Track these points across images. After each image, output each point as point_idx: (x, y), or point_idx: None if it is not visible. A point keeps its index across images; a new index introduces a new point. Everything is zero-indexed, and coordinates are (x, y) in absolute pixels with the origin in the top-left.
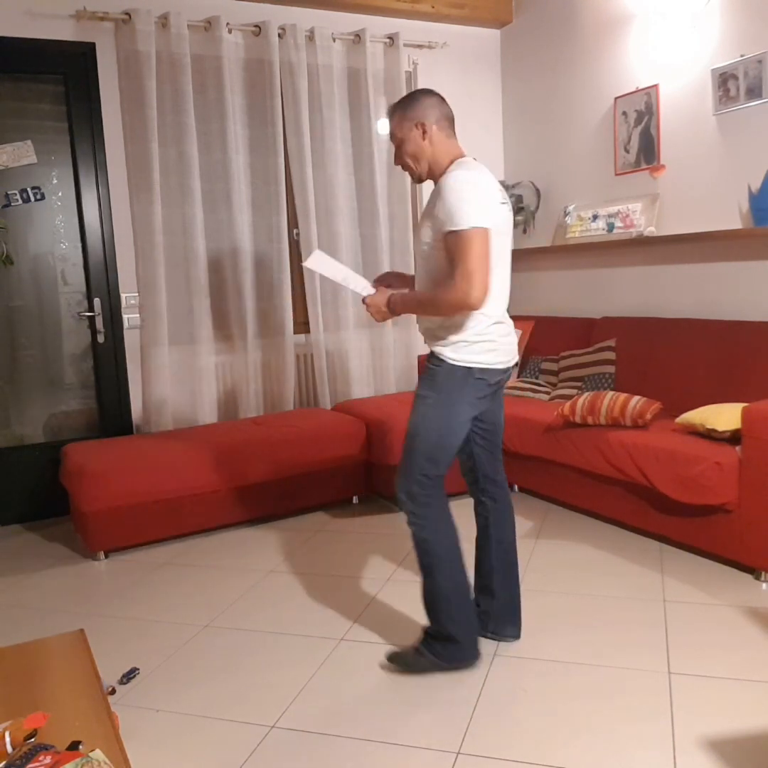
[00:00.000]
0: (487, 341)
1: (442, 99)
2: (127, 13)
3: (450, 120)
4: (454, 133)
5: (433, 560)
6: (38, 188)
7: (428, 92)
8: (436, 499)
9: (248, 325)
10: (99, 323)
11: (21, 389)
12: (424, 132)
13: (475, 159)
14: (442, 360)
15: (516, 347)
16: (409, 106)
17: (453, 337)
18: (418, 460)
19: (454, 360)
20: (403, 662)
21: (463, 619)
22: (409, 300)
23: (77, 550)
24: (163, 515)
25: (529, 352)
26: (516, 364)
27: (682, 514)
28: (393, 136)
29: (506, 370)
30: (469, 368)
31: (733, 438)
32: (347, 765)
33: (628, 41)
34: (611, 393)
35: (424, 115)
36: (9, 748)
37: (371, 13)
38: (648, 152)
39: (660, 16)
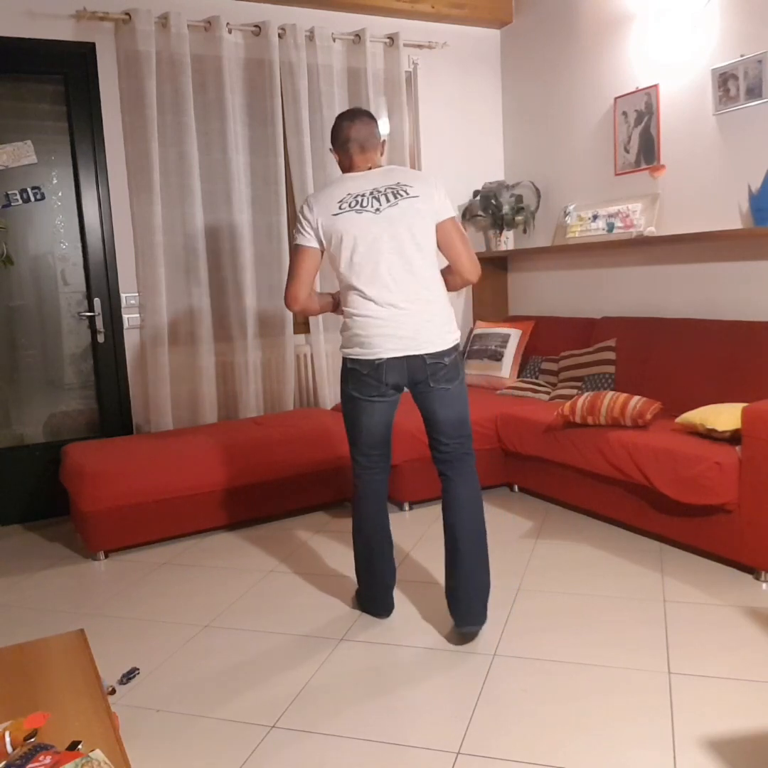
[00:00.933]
0: (353, 334)
1: (343, 121)
2: (127, 13)
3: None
4: (351, 150)
5: (353, 523)
6: (38, 188)
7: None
8: (357, 478)
9: (248, 325)
10: (99, 323)
11: (21, 389)
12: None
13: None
14: None
15: (397, 340)
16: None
17: (342, 332)
18: (349, 445)
19: (342, 351)
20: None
21: (362, 580)
22: None
23: (77, 550)
24: (163, 515)
25: (529, 352)
26: (437, 357)
27: (682, 514)
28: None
29: (374, 363)
30: (344, 359)
31: (733, 438)
32: (347, 765)
33: (628, 41)
34: (611, 393)
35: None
36: (9, 748)
37: (371, 13)
38: (648, 152)
39: (660, 16)
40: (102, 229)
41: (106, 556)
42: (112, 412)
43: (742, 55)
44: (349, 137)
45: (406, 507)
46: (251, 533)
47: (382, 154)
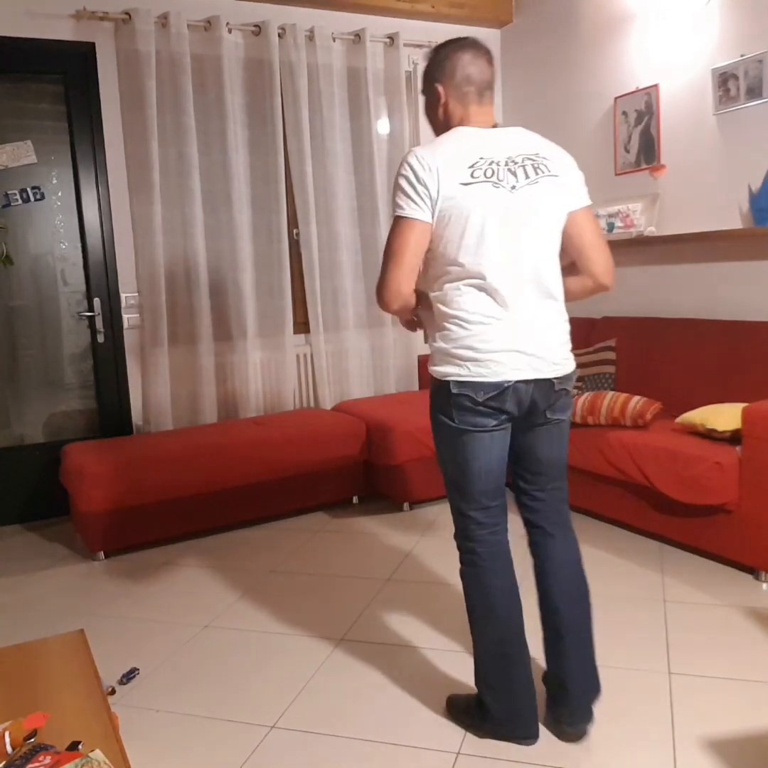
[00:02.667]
0: (463, 348)
1: (461, 51)
2: (126, 13)
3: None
4: (468, 96)
5: (472, 607)
6: (38, 188)
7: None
8: (475, 543)
9: (248, 325)
10: (99, 323)
11: (21, 389)
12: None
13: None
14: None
15: (525, 358)
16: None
17: (434, 344)
18: (452, 496)
19: (433, 371)
20: (455, 708)
21: (499, 690)
22: None
23: (77, 550)
24: (163, 515)
25: None
26: (556, 382)
27: (683, 515)
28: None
29: (500, 386)
30: (444, 382)
31: (734, 438)
32: (347, 765)
33: (628, 41)
34: (611, 393)
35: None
36: (9, 749)
37: (371, 13)
38: (648, 152)
39: (660, 16)
40: (102, 229)
41: (106, 557)
42: (112, 412)
43: (742, 55)
44: (471, 77)
45: (406, 507)
46: (251, 533)
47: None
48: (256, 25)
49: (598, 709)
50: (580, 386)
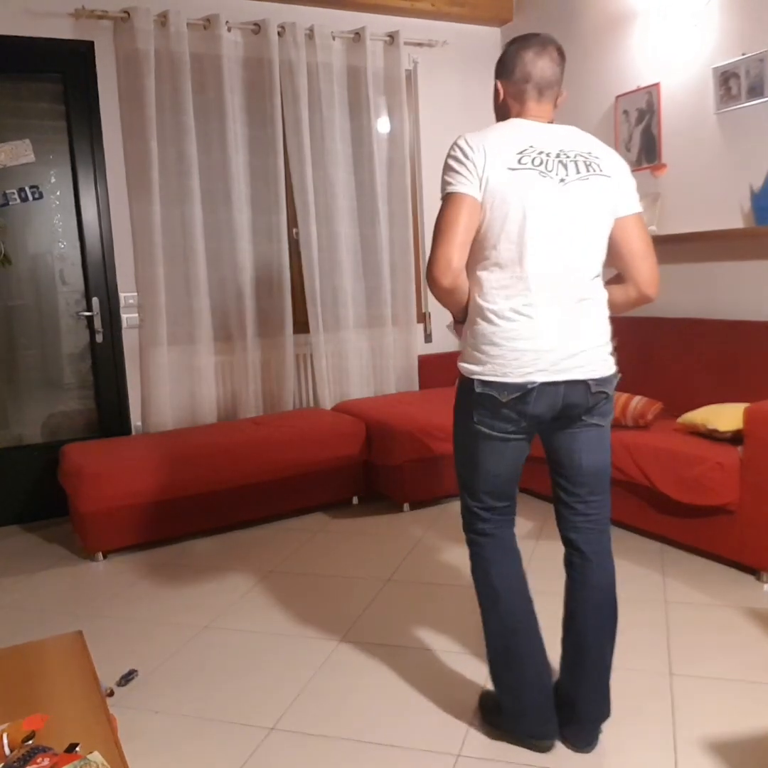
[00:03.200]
0: (490, 344)
1: (526, 48)
2: (125, 12)
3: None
4: (526, 94)
5: (481, 602)
6: (36, 187)
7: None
8: (481, 539)
9: (248, 325)
10: (97, 323)
11: (19, 389)
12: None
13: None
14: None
15: (555, 358)
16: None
17: (466, 339)
18: (460, 489)
19: (461, 367)
20: (483, 707)
21: (507, 686)
22: None
23: (76, 550)
24: (162, 515)
25: None
26: (594, 384)
27: (684, 515)
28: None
29: (524, 387)
30: (469, 380)
31: (735, 438)
32: (347, 765)
33: (629, 39)
34: None
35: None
36: (7, 750)
37: (371, 12)
38: (649, 151)
39: (661, 15)
40: (100, 229)
41: (105, 557)
42: (111, 412)
43: (743, 54)
44: (530, 75)
45: (406, 507)
46: (251, 533)
47: (556, 107)
48: (255, 24)
49: None
50: None
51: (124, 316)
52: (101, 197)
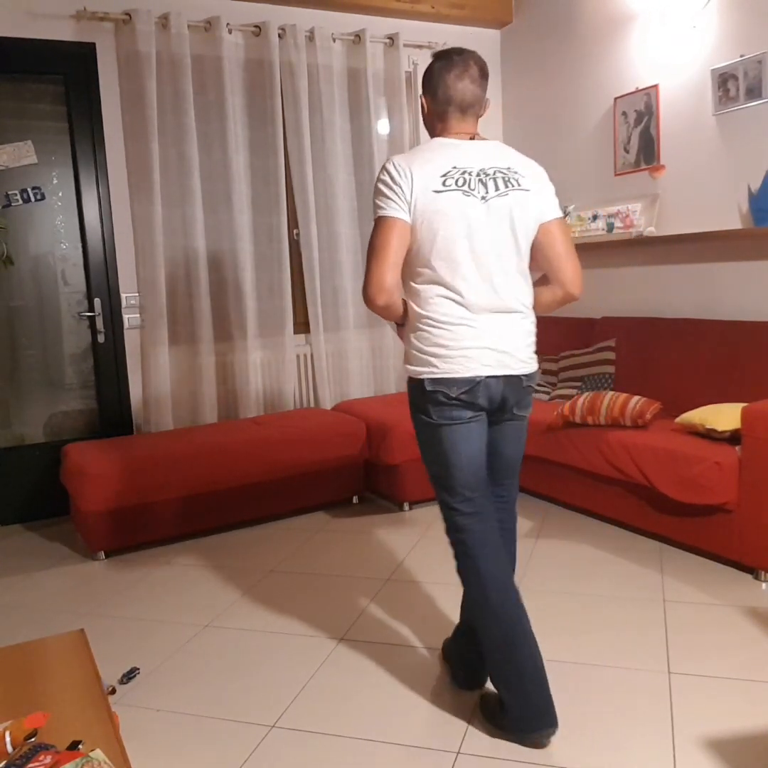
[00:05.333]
0: (435, 346)
1: (448, 71)
2: (127, 14)
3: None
4: (449, 113)
5: (470, 597)
6: (38, 188)
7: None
8: (463, 533)
9: (248, 325)
10: (99, 323)
11: (21, 389)
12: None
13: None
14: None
15: (495, 356)
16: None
17: (409, 344)
18: (437, 490)
19: (409, 370)
20: (485, 709)
21: (510, 683)
22: None
23: (77, 550)
24: (163, 515)
25: None
26: (521, 379)
27: (682, 514)
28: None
29: (472, 381)
30: (419, 380)
31: (733, 438)
32: (347, 765)
33: (627, 41)
34: (611, 393)
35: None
36: (9, 748)
37: (371, 14)
38: (648, 152)
39: (660, 17)
40: (102, 229)
41: (106, 556)
42: (112, 412)
43: (741, 56)
44: (451, 98)
45: (406, 507)
46: (251, 533)
47: (482, 116)
48: (256, 26)
49: (599, 708)
50: (579, 386)
51: (125, 317)
52: (103, 198)
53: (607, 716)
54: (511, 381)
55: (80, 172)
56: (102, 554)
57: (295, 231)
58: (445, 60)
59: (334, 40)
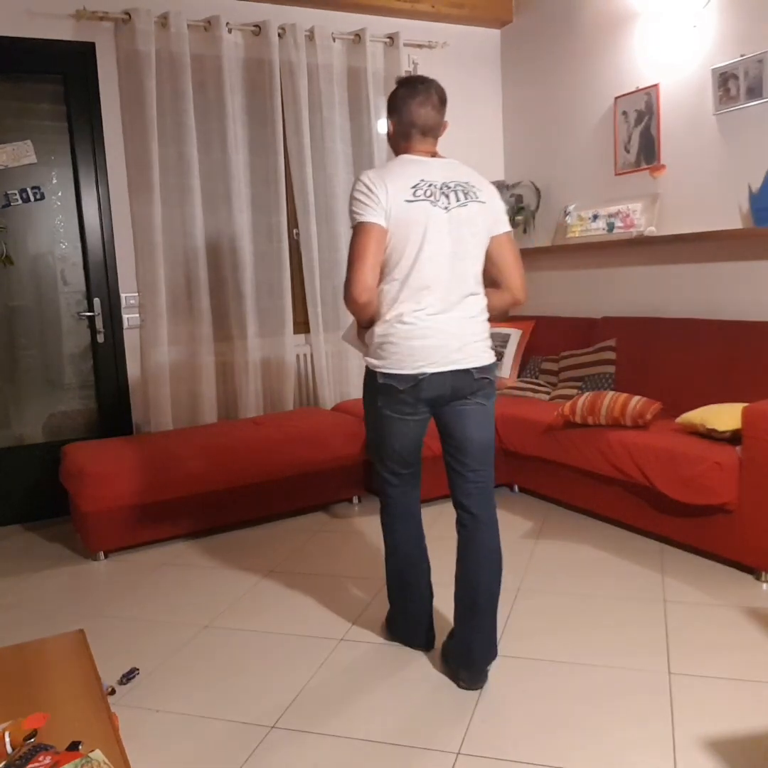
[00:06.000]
0: (387, 343)
1: (412, 98)
2: (126, 13)
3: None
4: (412, 136)
5: (385, 543)
6: (38, 188)
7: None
8: (389, 498)
9: (248, 325)
10: (99, 323)
11: (21, 389)
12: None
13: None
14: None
15: (443, 353)
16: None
17: (369, 338)
18: (373, 461)
19: (366, 361)
20: (387, 621)
21: (398, 605)
22: None
23: (77, 550)
24: (163, 515)
25: (529, 352)
26: (476, 371)
27: (683, 514)
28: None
29: (416, 378)
30: (373, 372)
31: (734, 438)
32: (347, 765)
33: (628, 41)
34: (611, 393)
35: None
36: (9, 749)
37: (371, 13)
38: (648, 152)
39: (660, 16)
40: (102, 229)
41: (106, 557)
42: (112, 412)
43: (742, 55)
44: (414, 122)
45: None
46: (251, 533)
47: (440, 136)
48: (256, 25)
49: (599, 708)
50: (580, 386)
51: (125, 316)
52: (102, 197)
53: (608, 716)
54: (460, 375)
55: (80, 172)
56: (101, 554)
57: (295, 231)
58: (410, 88)
59: (334, 40)
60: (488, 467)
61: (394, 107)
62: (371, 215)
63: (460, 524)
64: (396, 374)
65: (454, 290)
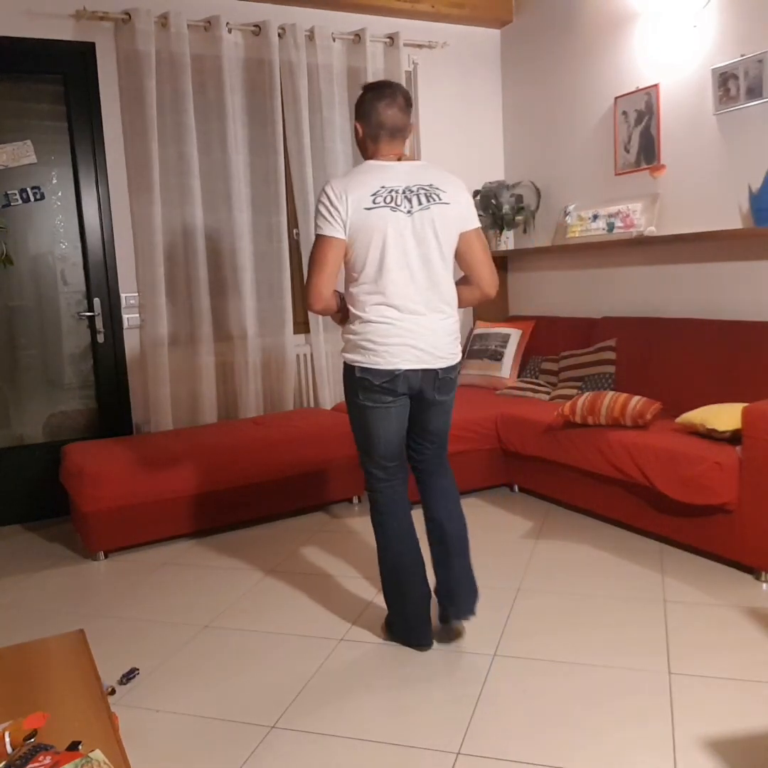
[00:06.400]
0: (365, 341)
1: (379, 100)
2: (126, 13)
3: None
4: (380, 137)
5: (377, 542)
6: (38, 188)
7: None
8: (378, 494)
9: (248, 325)
10: (99, 323)
11: (21, 389)
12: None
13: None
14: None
15: (415, 352)
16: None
17: (345, 335)
18: (360, 455)
19: (344, 357)
20: (386, 622)
21: (396, 606)
22: None
23: (77, 550)
24: (163, 515)
25: (529, 352)
26: (446, 371)
27: (683, 514)
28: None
29: (392, 373)
30: (351, 367)
31: (734, 438)
32: (347, 765)
33: (628, 41)
34: (611, 393)
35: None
36: (9, 749)
37: (371, 13)
38: (648, 152)
39: (660, 16)
40: (102, 229)
41: (106, 557)
42: (112, 412)
43: (742, 55)
44: (383, 123)
45: None
46: (251, 533)
47: (407, 138)
48: (256, 25)
49: (598, 708)
50: (580, 386)
51: (125, 317)
52: (102, 198)
53: (607, 716)
54: (428, 374)
55: (79, 172)
56: (101, 554)
57: (295, 230)
58: (377, 91)
59: (334, 40)
60: (444, 447)
61: (362, 111)
62: (330, 229)
63: (421, 483)
64: (372, 369)
65: (423, 291)
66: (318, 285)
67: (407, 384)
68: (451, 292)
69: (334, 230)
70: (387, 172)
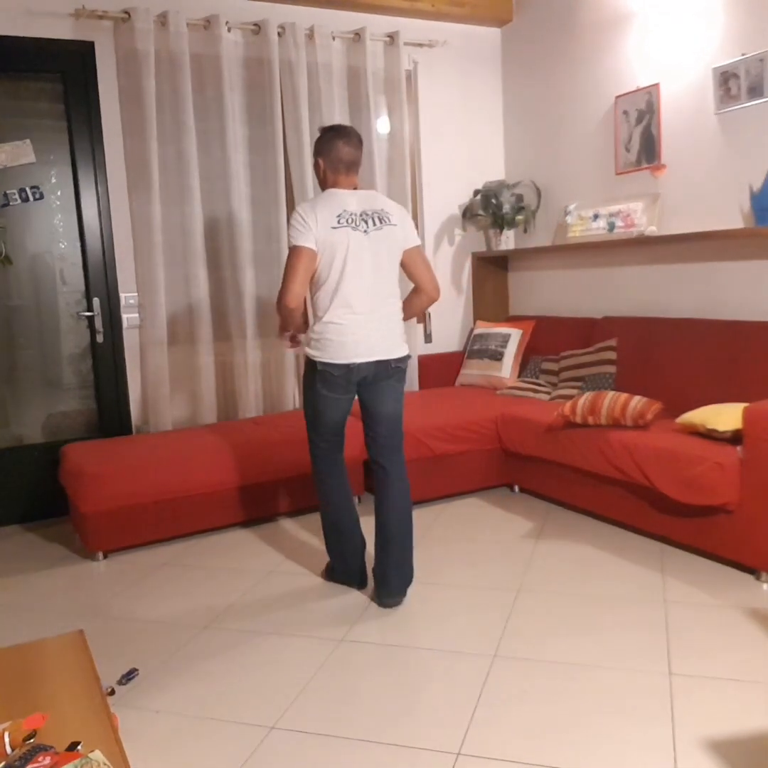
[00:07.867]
0: (325, 339)
1: (338, 139)
2: (126, 12)
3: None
4: (339, 170)
5: (319, 499)
6: (37, 187)
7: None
8: (319, 459)
9: (248, 325)
10: (98, 323)
11: (20, 389)
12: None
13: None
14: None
15: (367, 346)
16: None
17: (309, 334)
18: (308, 428)
19: (308, 353)
20: (327, 567)
21: (335, 552)
22: None
23: (76, 550)
24: (162, 515)
25: (529, 352)
26: (394, 362)
27: (683, 515)
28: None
29: (348, 366)
30: (313, 362)
31: (734, 438)
32: (347, 765)
33: (629, 40)
34: (612, 393)
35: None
36: (8, 749)
37: (371, 12)
38: (649, 151)
39: (661, 15)
40: (101, 229)
41: (105, 557)
42: (111, 412)
43: (743, 54)
44: (342, 159)
45: None
46: (251, 533)
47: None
48: (255, 24)
49: (599, 709)
50: (580, 386)
51: (124, 316)
52: (101, 197)
53: (608, 717)
54: (381, 363)
55: (79, 171)
56: (101, 555)
57: None
58: (336, 131)
59: (333, 39)
60: (397, 434)
61: (323, 148)
62: (303, 240)
63: (376, 477)
64: (331, 363)
65: (375, 296)
66: (294, 286)
67: (361, 374)
68: (397, 297)
69: (307, 241)
70: (346, 199)
